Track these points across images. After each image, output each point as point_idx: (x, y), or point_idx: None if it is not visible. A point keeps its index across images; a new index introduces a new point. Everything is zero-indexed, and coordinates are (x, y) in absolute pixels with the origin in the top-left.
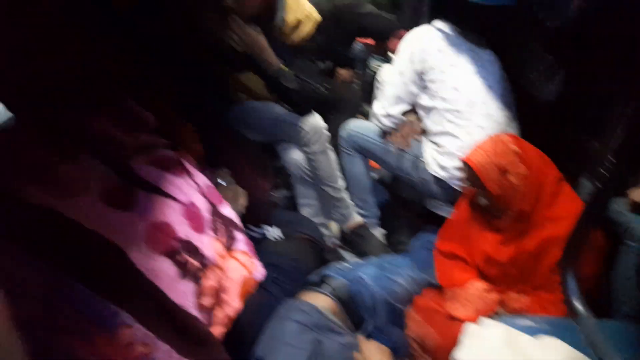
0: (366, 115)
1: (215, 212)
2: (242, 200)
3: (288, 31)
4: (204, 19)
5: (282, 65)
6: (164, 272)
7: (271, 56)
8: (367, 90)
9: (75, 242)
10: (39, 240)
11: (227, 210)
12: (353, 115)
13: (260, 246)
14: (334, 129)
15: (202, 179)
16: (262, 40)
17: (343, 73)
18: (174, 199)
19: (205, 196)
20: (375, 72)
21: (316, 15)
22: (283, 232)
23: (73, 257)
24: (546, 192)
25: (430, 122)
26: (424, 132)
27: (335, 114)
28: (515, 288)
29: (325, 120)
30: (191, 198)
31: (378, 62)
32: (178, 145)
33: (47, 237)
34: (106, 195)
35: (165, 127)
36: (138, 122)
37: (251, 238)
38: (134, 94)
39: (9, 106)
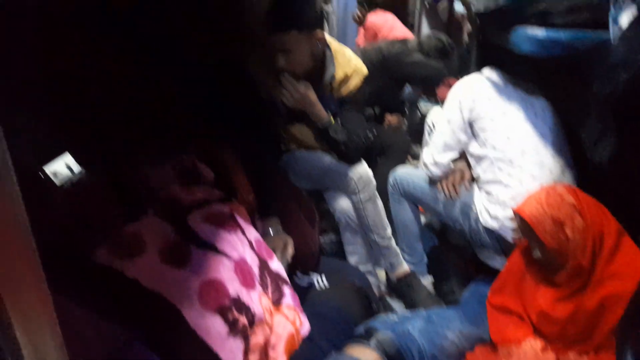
0: (416, 157)
1: (265, 267)
2: (290, 249)
3: (337, 85)
4: (259, 77)
5: (330, 118)
6: (214, 329)
7: (320, 110)
8: (417, 132)
9: (134, 301)
10: (102, 299)
11: (276, 265)
12: (402, 160)
13: (307, 295)
14: (382, 174)
15: (253, 233)
16: (312, 96)
17: (391, 119)
18: (226, 255)
19: (255, 251)
20: (424, 115)
21: (363, 70)
22: (330, 281)
23: (132, 315)
24: (606, 247)
25: (480, 170)
26: (474, 179)
27: (383, 159)
28: (573, 348)
29: (374, 166)
30: (242, 254)
31: (427, 104)
32: (232, 197)
33: (109, 297)
34: (164, 252)
35: (221, 179)
36: (196, 176)
37: (298, 286)
38: (196, 145)
39: (78, 160)
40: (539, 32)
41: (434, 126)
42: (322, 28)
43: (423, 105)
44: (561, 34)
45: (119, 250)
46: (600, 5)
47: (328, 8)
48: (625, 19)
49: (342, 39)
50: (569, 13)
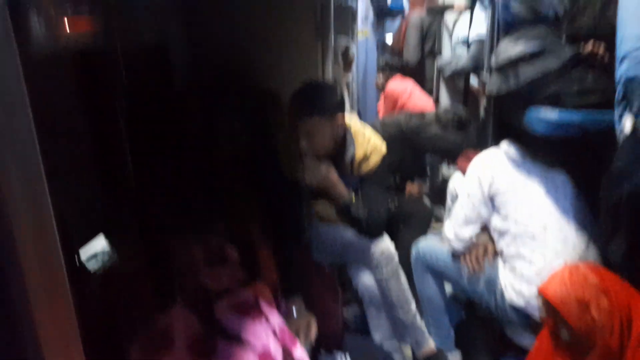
0: (440, 220)
1: (288, 356)
2: (314, 330)
3: (357, 164)
4: (283, 158)
5: (352, 196)
6: None
7: (341, 189)
8: (439, 194)
9: None
10: None
11: (299, 353)
12: (424, 230)
13: None
14: (405, 245)
15: (276, 320)
16: (333, 176)
17: (412, 188)
18: (251, 346)
19: (279, 340)
20: (446, 179)
21: (382, 148)
22: None
23: None
24: (635, 328)
25: (504, 244)
26: (497, 253)
27: (405, 229)
28: None
29: (396, 236)
30: (266, 344)
31: (450, 168)
32: (256, 276)
33: None
34: (192, 346)
35: (246, 258)
36: (222, 257)
37: None
38: (223, 224)
39: (112, 242)
40: (551, 114)
41: (456, 192)
42: (343, 113)
43: (445, 169)
44: (573, 116)
45: (150, 347)
46: (611, 88)
47: (348, 78)
48: (627, 124)
49: (363, 103)
50: (580, 95)
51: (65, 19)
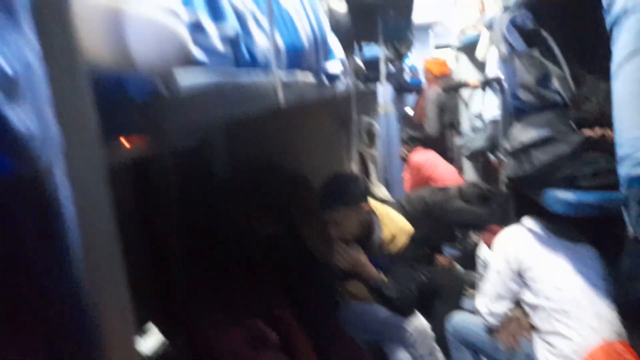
0: (473, 286)
1: None
2: None
3: (384, 245)
4: (315, 244)
5: (382, 276)
6: None
7: (371, 270)
8: (470, 259)
9: None
10: None
11: None
12: (457, 301)
13: None
14: (439, 317)
15: None
16: (362, 258)
17: (442, 260)
18: None
19: None
20: (476, 244)
21: (408, 228)
22: None
23: None
24: None
25: (538, 320)
26: (533, 328)
27: (438, 301)
28: None
29: (429, 310)
30: None
31: (478, 236)
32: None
33: None
34: None
35: (284, 342)
36: (262, 339)
37: None
38: (260, 309)
39: (163, 331)
40: (568, 195)
41: (486, 261)
42: (367, 201)
43: (474, 236)
44: (590, 196)
45: None
46: None
47: (374, 151)
48: (630, 228)
49: (390, 174)
50: (595, 177)
51: (122, 138)
